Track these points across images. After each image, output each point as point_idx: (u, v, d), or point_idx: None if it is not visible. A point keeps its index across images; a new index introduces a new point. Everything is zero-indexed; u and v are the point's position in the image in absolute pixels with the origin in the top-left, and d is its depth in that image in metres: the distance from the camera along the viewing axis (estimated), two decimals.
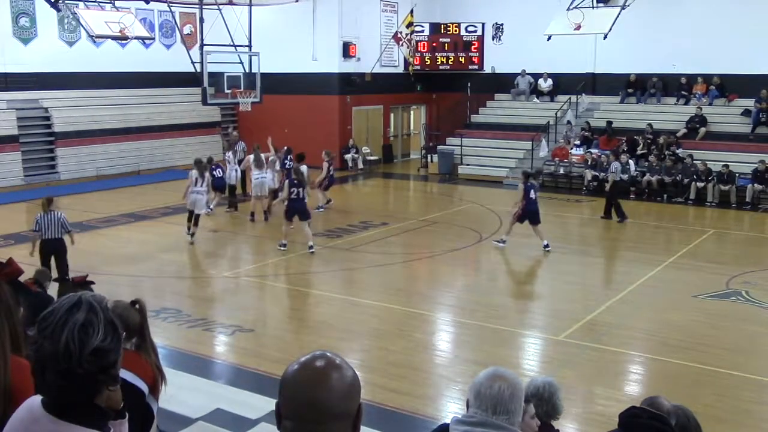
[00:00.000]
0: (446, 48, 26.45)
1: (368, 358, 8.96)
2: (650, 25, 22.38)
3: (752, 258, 14.01)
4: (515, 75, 25.56)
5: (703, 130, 21.53)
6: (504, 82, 25.99)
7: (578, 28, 18.79)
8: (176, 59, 23.19)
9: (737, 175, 19.29)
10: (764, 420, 7.55)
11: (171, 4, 22.34)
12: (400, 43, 25.62)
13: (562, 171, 21.99)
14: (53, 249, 10.42)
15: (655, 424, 2.94)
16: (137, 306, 3.71)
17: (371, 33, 25.27)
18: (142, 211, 17.63)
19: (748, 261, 13.63)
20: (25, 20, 21.73)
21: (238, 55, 19.37)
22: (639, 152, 21.22)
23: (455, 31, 26.39)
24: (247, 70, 19.42)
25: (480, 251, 14.32)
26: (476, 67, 26.37)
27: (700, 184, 19.34)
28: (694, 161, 19.85)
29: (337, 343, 9.29)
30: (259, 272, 12.93)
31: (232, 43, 19.37)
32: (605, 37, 19.22)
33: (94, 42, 21.84)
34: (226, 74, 19.18)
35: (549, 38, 19.86)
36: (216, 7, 19.74)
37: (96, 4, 19.78)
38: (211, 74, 18.57)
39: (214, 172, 16.66)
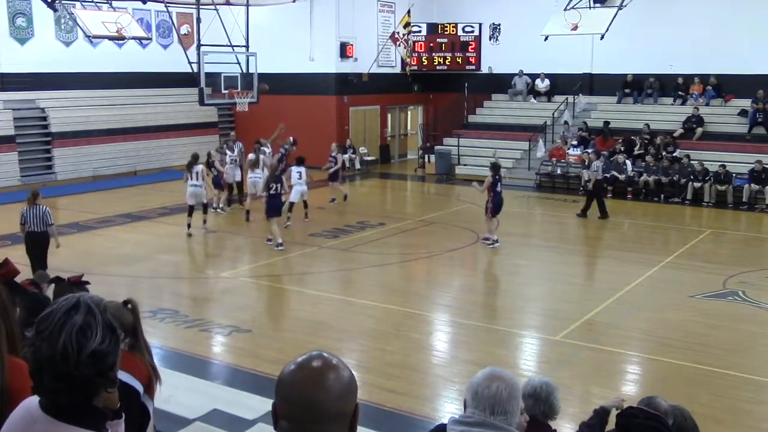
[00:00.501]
0: (443, 48, 26.46)
1: (365, 358, 8.96)
2: (647, 26, 22.40)
3: (749, 258, 14.03)
4: (512, 75, 25.57)
5: (699, 130, 21.56)
6: (501, 83, 26.00)
7: (575, 28, 18.81)
8: (173, 59, 23.16)
9: (734, 175, 19.32)
10: (761, 420, 7.56)
11: (168, 5, 22.35)
12: (398, 43, 25.64)
13: (559, 171, 22.01)
14: (36, 241, 10.89)
15: (652, 424, 2.94)
16: (129, 306, 3.69)
17: (368, 33, 25.27)
18: (139, 212, 17.61)
19: (744, 261, 13.65)
20: (22, 20, 21.70)
21: (235, 56, 19.36)
22: (636, 152, 21.25)
23: (452, 31, 26.40)
24: (244, 71, 19.41)
25: (477, 251, 14.32)
26: (473, 67, 26.40)
27: (697, 185, 19.37)
28: (691, 161, 19.87)
29: (334, 343, 9.28)
30: (256, 272, 12.92)
31: (229, 44, 19.35)
32: (602, 37, 19.27)
33: (91, 42, 21.81)
34: (223, 74, 19.18)
35: (546, 38, 19.88)
36: (213, 7, 19.72)
37: (93, 4, 19.77)
38: (208, 74, 18.58)
39: (212, 170, 16.73)
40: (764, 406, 7.89)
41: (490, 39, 26.34)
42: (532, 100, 25.40)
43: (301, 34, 24.25)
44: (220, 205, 17.38)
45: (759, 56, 21.26)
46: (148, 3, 20.45)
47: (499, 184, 14.39)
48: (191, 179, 15.13)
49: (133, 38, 20.87)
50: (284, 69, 23.86)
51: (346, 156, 24.52)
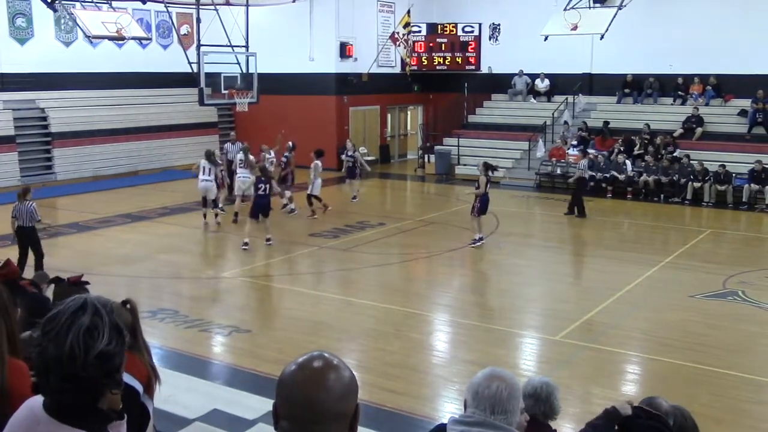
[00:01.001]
0: (443, 48, 26.47)
1: (365, 358, 8.96)
2: (647, 26, 22.40)
3: (749, 258, 14.04)
4: (512, 75, 25.58)
5: (699, 130, 21.56)
6: (501, 83, 26.00)
7: (575, 28, 18.81)
8: (173, 60, 23.15)
9: (734, 175, 19.33)
10: (762, 420, 7.56)
11: (168, 5, 22.34)
12: (397, 43, 25.64)
13: (558, 171, 22.01)
14: (25, 235, 11.37)
15: (654, 424, 2.94)
16: (128, 306, 3.69)
17: (368, 33, 25.27)
18: (140, 212, 17.60)
19: (744, 261, 13.65)
20: (22, 20, 21.70)
21: (235, 56, 19.36)
22: (636, 152, 21.25)
23: (452, 31, 26.41)
24: (244, 71, 19.41)
25: (477, 251, 14.31)
26: (473, 67, 26.40)
27: (697, 185, 19.37)
28: (691, 161, 19.88)
29: (334, 343, 9.29)
30: (255, 273, 12.92)
31: (229, 44, 19.35)
32: (602, 37, 19.26)
33: (91, 42, 21.81)
34: (223, 75, 19.17)
35: (546, 38, 19.88)
36: (213, 7, 19.72)
37: (93, 4, 19.76)
38: (208, 75, 18.57)
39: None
40: (764, 406, 7.89)
41: (489, 39, 26.34)
42: (532, 100, 25.40)
43: (300, 34, 24.25)
44: (220, 205, 17.38)
45: (759, 56, 21.26)
46: (148, 3, 20.45)
47: (488, 185, 14.47)
48: (205, 174, 15.89)
49: (133, 38, 20.86)
50: (284, 69, 23.87)
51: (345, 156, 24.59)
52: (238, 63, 19.34)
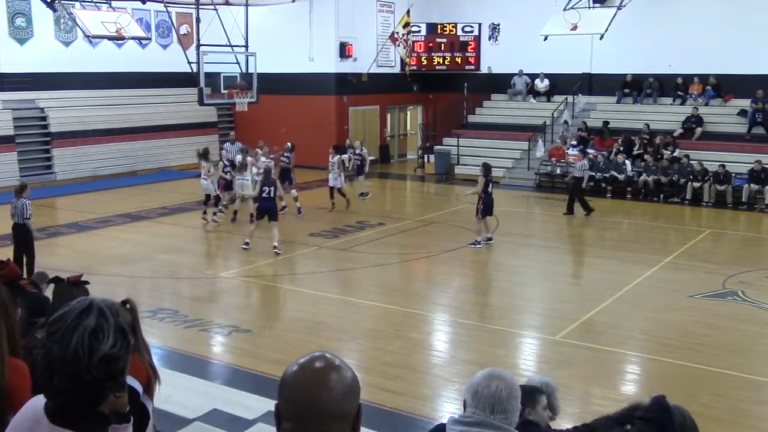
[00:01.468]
0: (443, 48, 26.46)
1: (365, 358, 8.96)
2: (646, 26, 22.40)
3: (748, 258, 14.04)
4: (512, 75, 25.57)
5: (699, 130, 21.56)
6: (500, 83, 25.99)
7: (575, 28, 18.81)
8: (173, 59, 23.13)
9: (733, 175, 19.33)
10: (761, 420, 7.57)
11: (167, 5, 22.34)
12: (397, 43, 25.63)
13: (558, 171, 22.01)
14: (16, 233, 11.37)
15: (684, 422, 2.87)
16: (128, 306, 3.69)
17: (368, 33, 25.26)
18: (139, 212, 17.60)
19: (744, 261, 13.65)
20: (21, 20, 21.69)
21: (235, 56, 19.36)
22: (635, 152, 21.25)
23: (452, 31, 26.40)
24: (244, 71, 19.40)
25: (477, 251, 14.32)
26: (473, 67, 26.40)
27: (697, 185, 19.38)
28: (691, 161, 19.88)
29: (334, 343, 9.29)
30: (255, 273, 12.91)
31: (228, 44, 19.35)
32: (602, 37, 19.27)
33: (91, 42, 21.80)
34: (222, 74, 19.18)
35: (545, 38, 19.88)
36: (212, 7, 19.72)
37: (92, 4, 19.74)
38: (207, 74, 18.57)
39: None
40: (764, 406, 7.90)
41: (489, 39, 26.34)
42: (532, 100, 25.40)
43: (300, 34, 24.24)
44: (220, 206, 17.39)
45: (758, 56, 21.25)
46: (148, 3, 20.46)
47: (490, 184, 14.44)
48: (203, 173, 16.37)
49: (133, 38, 20.85)
50: (284, 69, 23.87)
51: (345, 156, 24.57)
52: (238, 63, 19.33)
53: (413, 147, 28.30)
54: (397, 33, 25.43)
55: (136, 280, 12.21)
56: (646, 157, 20.70)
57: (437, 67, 26.66)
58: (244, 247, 13.89)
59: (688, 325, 10.01)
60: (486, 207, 14.34)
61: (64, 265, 11.21)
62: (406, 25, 25.35)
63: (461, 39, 26.37)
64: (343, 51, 24.59)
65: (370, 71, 25.13)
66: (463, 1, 26.26)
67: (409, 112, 29.23)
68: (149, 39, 23.79)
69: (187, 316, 10.18)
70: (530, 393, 3.75)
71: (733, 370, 8.39)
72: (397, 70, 26.73)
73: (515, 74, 25.46)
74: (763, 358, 9.17)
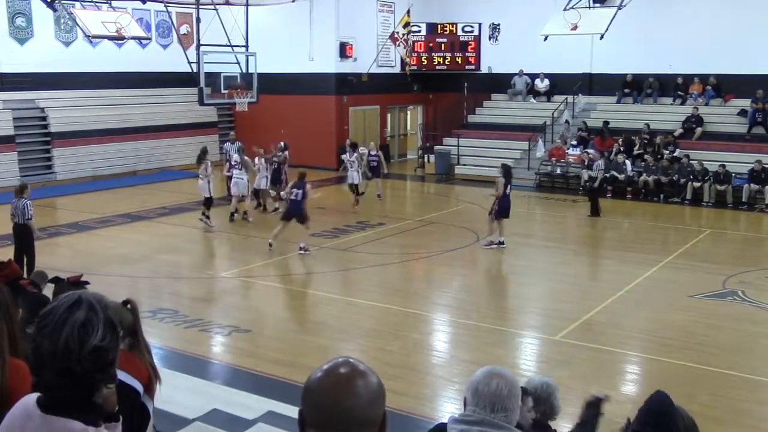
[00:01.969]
0: (443, 48, 26.46)
1: (365, 358, 8.87)
2: (647, 26, 22.40)
3: (748, 258, 14.04)
4: (512, 75, 25.57)
5: (699, 130, 21.56)
6: (501, 83, 25.99)
7: (575, 28, 18.82)
8: (173, 59, 23.14)
9: (733, 175, 19.33)
10: (761, 420, 7.57)
11: (167, 5, 22.35)
12: (397, 43, 25.63)
13: (558, 171, 22.02)
14: (17, 233, 11.41)
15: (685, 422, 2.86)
16: (129, 306, 3.69)
17: (368, 33, 25.26)
18: (139, 212, 17.60)
19: (744, 261, 13.65)
20: (22, 20, 21.69)
21: (235, 56, 19.37)
22: (636, 152, 21.25)
23: (452, 31, 26.40)
24: (244, 71, 19.40)
25: (477, 251, 14.32)
26: (473, 67, 26.39)
27: (697, 184, 19.37)
28: (691, 161, 19.88)
29: (334, 343, 9.29)
30: (255, 273, 12.91)
31: (228, 44, 19.35)
32: (602, 37, 19.26)
33: (91, 42, 21.79)
34: (222, 74, 19.18)
35: (546, 38, 19.89)
36: (213, 7, 19.73)
37: (92, 4, 19.75)
38: (207, 74, 18.59)
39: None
40: (764, 406, 7.90)
41: (489, 39, 26.33)
42: (532, 100, 25.40)
43: (300, 34, 24.24)
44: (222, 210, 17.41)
45: (758, 56, 21.25)
46: (148, 3, 20.46)
47: (509, 186, 14.29)
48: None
49: (133, 38, 20.85)
50: (284, 69, 23.87)
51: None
52: (238, 63, 19.34)
53: (413, 147, 28.30)
54: (397, 33, 25.42)
55: (136, 280, 12.21)
56: (646, 157, 20.69)
57: (437, 67, 26.66)
58: (270, 248, 13.83)
59: (688, 325, 10.01)
60: (501, 209, 14.13)
61: (65, 265, 11.22)
62: (406, 25, 25.35)
63: (461, 39, 26.37)
64: (343, 51, 24.58)
65: (370, 71, 25.13)
66: (463, 1, 26.25)
67: (409, 112, 29.23)
68: (149, 39, 23.79)
69: (187, 316, 10.18)
70: None
71: (733, 370, 8.39)
72: (397, 70, 26.73)
73: (515, 74, 25.46)
74: (763, 358, 9.17)
